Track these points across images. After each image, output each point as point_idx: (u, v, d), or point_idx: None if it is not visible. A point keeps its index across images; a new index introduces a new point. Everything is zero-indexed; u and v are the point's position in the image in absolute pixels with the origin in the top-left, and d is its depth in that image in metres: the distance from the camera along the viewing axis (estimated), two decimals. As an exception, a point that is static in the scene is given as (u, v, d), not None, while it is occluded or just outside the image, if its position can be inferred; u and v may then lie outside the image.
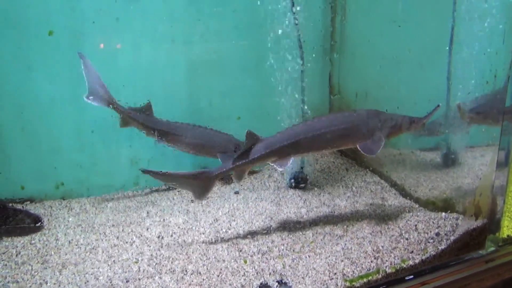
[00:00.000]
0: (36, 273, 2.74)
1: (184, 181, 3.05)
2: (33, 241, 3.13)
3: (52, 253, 2.99)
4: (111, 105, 3.55)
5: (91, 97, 3.47)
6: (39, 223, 3.28)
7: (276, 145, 3.04)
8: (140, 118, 3.67)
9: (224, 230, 3.25)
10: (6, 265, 2.84)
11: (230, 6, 4.11)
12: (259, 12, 3.88)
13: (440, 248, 2.93)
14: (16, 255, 2.95)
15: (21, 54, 3.51)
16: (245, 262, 2.79)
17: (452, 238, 3.02)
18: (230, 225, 3.34)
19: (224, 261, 2.84)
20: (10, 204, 3.50)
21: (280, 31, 3.75)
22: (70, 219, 3.51)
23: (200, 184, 3.02)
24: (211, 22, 4.06)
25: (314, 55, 4.19)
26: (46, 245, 3.09)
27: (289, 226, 3.31)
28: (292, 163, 4.06)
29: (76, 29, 3.60)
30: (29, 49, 3.52)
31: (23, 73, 3.55)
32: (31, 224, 3.23)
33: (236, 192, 4.01)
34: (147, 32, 3.87)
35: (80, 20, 3.59)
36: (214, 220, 3.43)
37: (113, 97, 3.57)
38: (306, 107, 4.03)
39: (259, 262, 2.81)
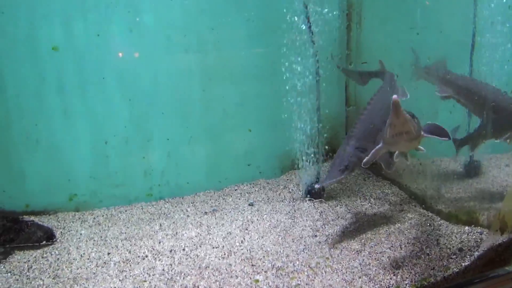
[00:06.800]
0: (47, 288, 2.71)
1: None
2: (45, 255, 3.11)
3: (64, 267, 2.95)
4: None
5: None
6: (51, 237, 3.26)
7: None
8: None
9: (237, 244, 3.17)
10: (17, 279, 2.82)
11: (243, 15, 4.08)
12: (273, 21, 3.84)
13: (463, 264, 2.80)
14: (28, 269, 2.93)
15: (34, 66, 3.53)
16: (257, 281, 2.69)
17: (476, 254, 2.88)
18: (244, 238, 3.26)
19: (237, 277, 2.76)
20: (23, 217, 3.49)
21: (294, 41, 3.69)
22: (83, 231, 3.48)
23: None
24: (225, 31, 4.04)
25: (329, 65, 4.11)
26: (58, 259, 3.06)
27: (304, 240, 3.21)
28: (309, 174, 4.00)
29: (88, 41, 3.61)
30: (42, 61, 3.53)
31: (36, 85, 3.56)
32: (43, 238, 3.21)
33: (251, 204, 3.93)
34: (161, 42, 3.86)
35: (93, 32, 3.60)
36: (227, 233, 3.35)
37: None
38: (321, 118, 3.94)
39: (273, 278, 2.72)
